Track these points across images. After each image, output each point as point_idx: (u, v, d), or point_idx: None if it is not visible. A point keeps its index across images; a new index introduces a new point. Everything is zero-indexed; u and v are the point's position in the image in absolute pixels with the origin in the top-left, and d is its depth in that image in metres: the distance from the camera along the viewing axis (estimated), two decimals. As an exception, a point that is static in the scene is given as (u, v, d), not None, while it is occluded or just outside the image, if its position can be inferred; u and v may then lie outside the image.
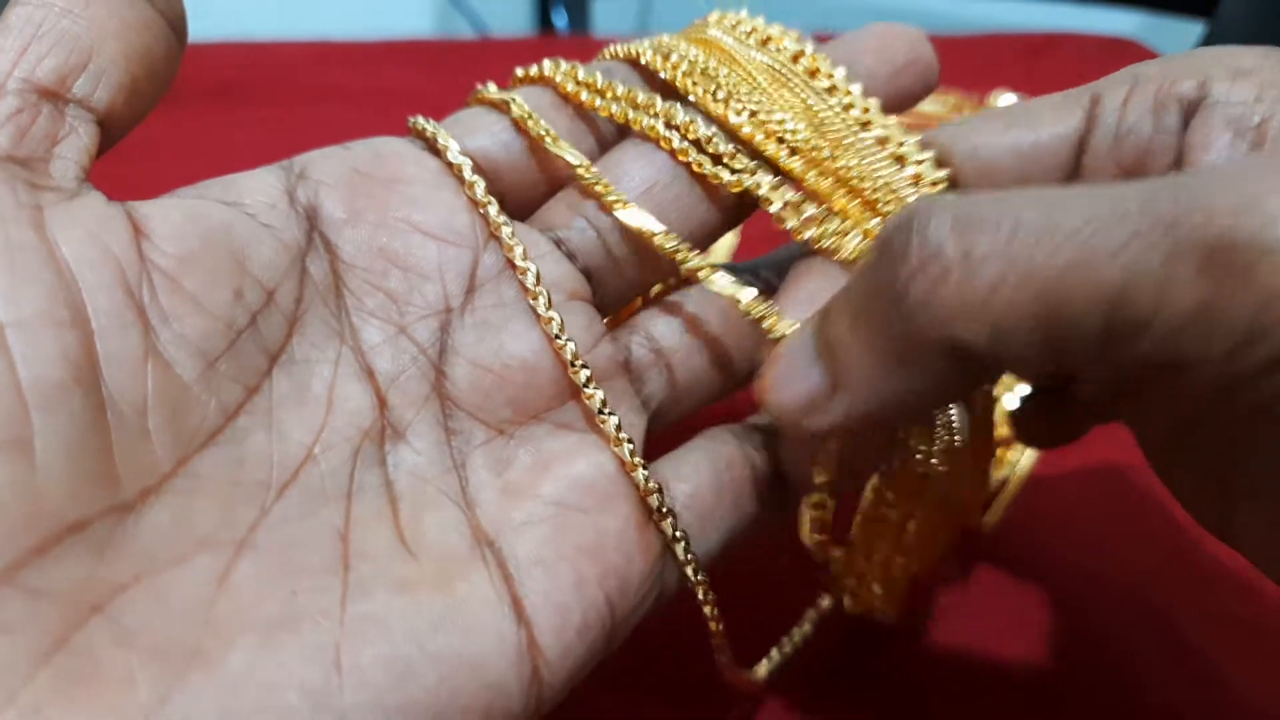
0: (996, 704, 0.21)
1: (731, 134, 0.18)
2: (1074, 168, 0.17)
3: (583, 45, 0.61)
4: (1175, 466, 0.16)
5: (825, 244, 0.18)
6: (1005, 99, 0.53)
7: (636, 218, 0.17)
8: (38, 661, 0.11)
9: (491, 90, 0.18)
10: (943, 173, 0.18)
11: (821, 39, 0.19)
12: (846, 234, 0.18)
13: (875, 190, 0.18)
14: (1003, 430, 0.28)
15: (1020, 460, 0.28)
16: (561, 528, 0.15)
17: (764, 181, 0.18)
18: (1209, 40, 0.62)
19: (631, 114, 0.18)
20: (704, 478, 0.17)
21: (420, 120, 0.18)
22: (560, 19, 0.79)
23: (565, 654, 0.14)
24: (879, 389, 0.14)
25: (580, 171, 0.17)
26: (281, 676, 0.12)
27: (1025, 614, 0.23)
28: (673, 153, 0.18)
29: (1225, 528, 0.15)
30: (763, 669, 0.20)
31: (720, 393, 0.18)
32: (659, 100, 0.18)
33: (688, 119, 0.18)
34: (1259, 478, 0.14)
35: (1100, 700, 0.21)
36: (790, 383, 0.15)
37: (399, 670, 0.13)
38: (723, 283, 0.16)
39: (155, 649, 0.12)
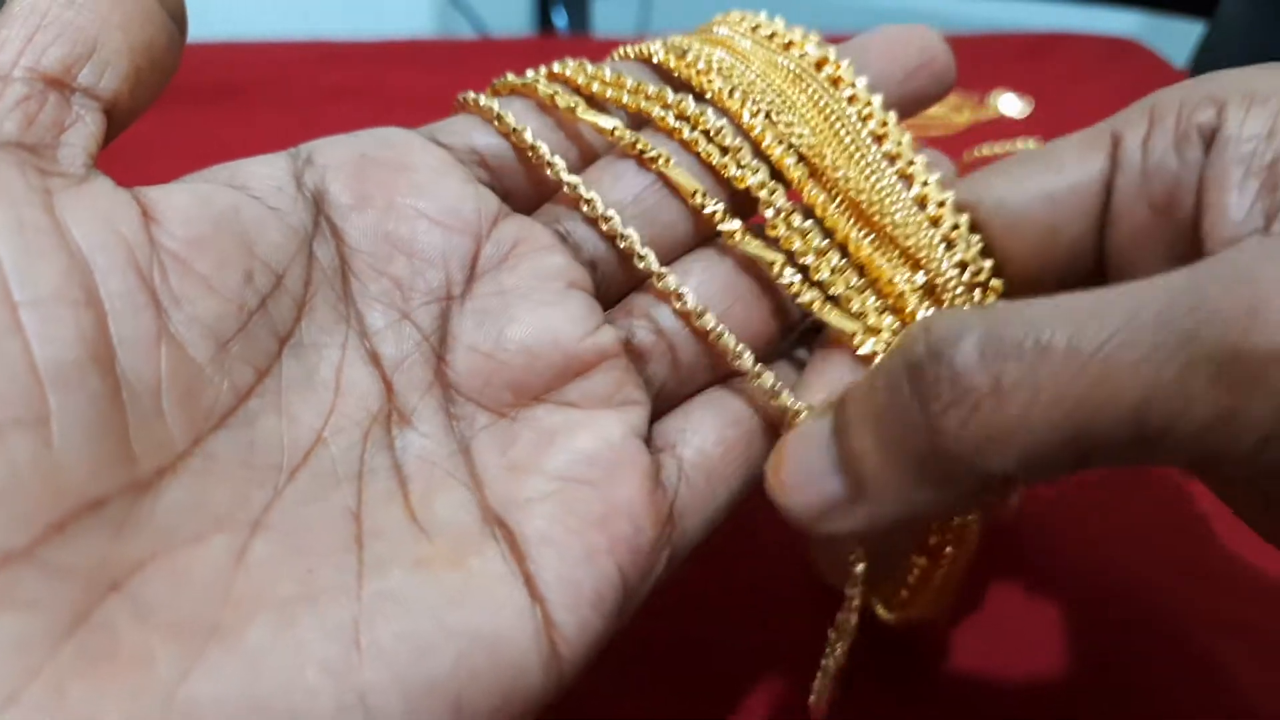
0: (1005, 708, 0.21)
1: (744, 133, 0.18)
2: (1103, 208, 0.17)
3: (583, 45, 0.61)
4: (1231, 500, 0.16)
5: (823, 313, 0.17)
6: (1005, 99, 0.53)
7: (678, 175, 0.17)
8: (59, 638, 0.11)
9: (512, 78, 0.19)
10: (948, 194, 0.18)
11: (830, 41, 0.19)
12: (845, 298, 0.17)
13: (872, 207, 0.18)
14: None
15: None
16: (568, 502, 0.15)
17: (766, 183, 0.18)
18: (1209, 40, 0.62)
19: (644, 103, 0.18)
20: (709, 435, 0.17)
21: (472, 94, 0.18)
22: (560, 19, 0.79)
23: (582, 628, 0.14)
24: (904, 502, 0.14)
25: (619, 132, 0.17)
26: (301, 653, 0.12)
27: (1036, 620, 0.23)
28: (684, 143, 0.18)
29: None
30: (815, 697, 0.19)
31: (726, 373, 0.18)
32: (670, 93, 0.18)
33: (699, 111, 0.18)
34: None
35: (1113, 707, 0.21)
36: (808, 486, 0.15)
37: (418, 646, 0.13)
38: (754, 246, 0.17)
39: (174, 626, 0.12)
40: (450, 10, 0.95)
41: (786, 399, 0.16)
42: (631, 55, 0.19)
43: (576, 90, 0.18)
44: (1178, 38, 0.66)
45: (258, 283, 0.15)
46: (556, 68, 0.19)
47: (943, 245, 0.18)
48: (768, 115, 0.18)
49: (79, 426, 0.12)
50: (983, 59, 0.61)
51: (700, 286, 0.17)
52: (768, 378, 0.17)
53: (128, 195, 0.14)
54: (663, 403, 0.17)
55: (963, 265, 0.18)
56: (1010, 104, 0.53)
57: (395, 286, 0.16)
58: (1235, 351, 0.12)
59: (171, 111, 0.49)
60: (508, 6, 0.95)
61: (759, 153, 0.18)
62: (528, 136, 0.17)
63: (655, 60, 0.19)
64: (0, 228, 0.12)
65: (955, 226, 0.18)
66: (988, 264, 0.18)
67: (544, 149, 0.17)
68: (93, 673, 0.11)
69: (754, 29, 0.19)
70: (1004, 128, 0.51)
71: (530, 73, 0.19)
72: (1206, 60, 0.61)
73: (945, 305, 0.18)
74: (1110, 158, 0.17)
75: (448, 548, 0.14)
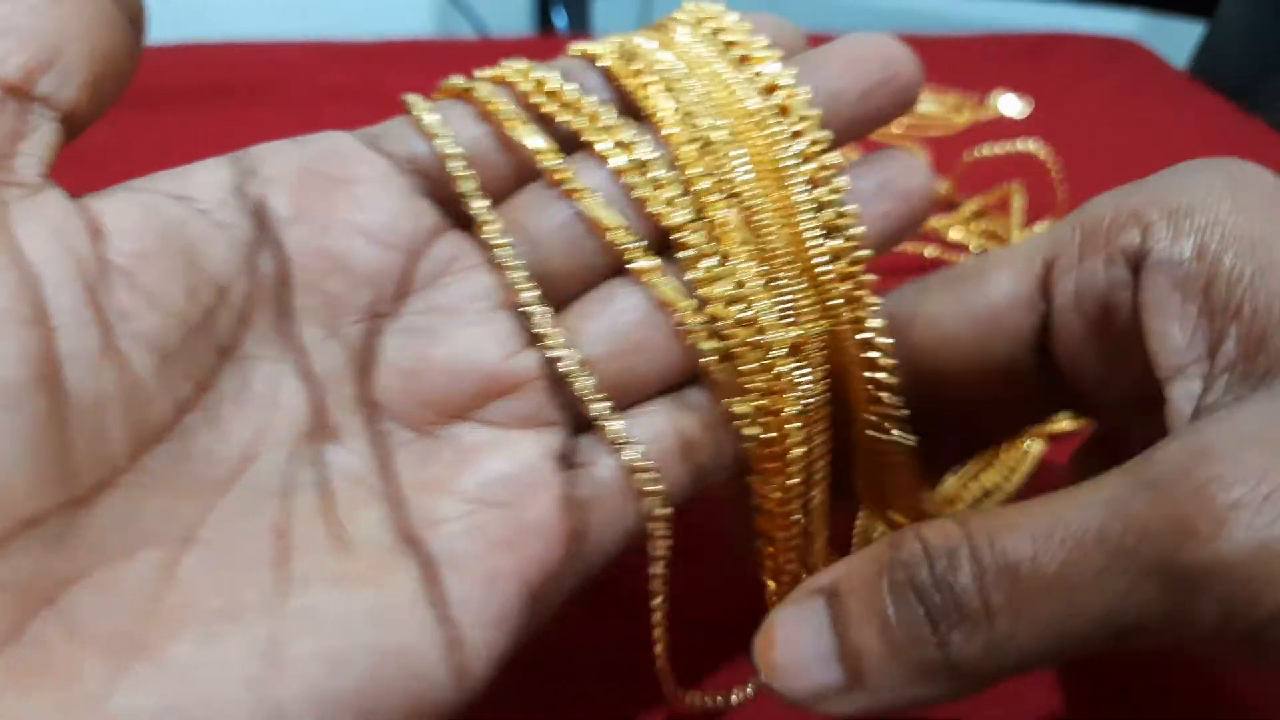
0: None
1: (677, 160, 0.17)
2: (1038, 328, 0.18)
3: (583, 45, 0.61)
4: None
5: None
6: (1005, 99, 0.53)
7: (597, 210, 0.17)
8: None
9: (456, 81, 0.18)
10: (867, 253, 0.17)
11: (815, 41, 0.19)
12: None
13: (785, 262, 0.17)
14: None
15: (1023, 461, 0.28)
16: (479, 524, 0.15)
17: (685, 224, 0.17)
18: (1209, 41, 0.62)
19: (576, 123, 0.17)
20: (625, 454, 0.17)
21: (417, 102, 0.17)
22: (560, 19, 0.79)
23: (488, 646, 0.15)
24: (904, 696, 0.15)
25: (546, 159, 0.17)
26: (223, 668, 0.13)
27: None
28: (617, 171, 0.17)
29: None
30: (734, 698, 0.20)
31: (651, 394, 0.18)
32: (605, 113, 0.18)
33: (631, 140, 0.17)
34: None
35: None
36: (803, 672, 0.16)
37: (333, 661, 0.13)
38: (664, 289, 0.17)
39: (103, 641, 0.13)
40: (450, 10, 0.95)
41: (629, 454, 0.17)
42: (581, 54, 0.19)
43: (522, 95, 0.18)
44: (1177, 38, 0.66)
45: (202, 297, 0.15)
46: (504, 69, 0.18)
47: (843, 301, 0.18)
48: (705, 144, 0.17)
49: (22, 445, 0.12)
50: (983, 59, 0.61)
51: (616, 316, 0.17)
52: (614, 428, 0.17)
53: (76, 208, 0.14)
54: (584, 421, 0.17)
55: (857, 322, 0.18)
56: (1010, 104, 0.53)
57: (329, 303, 0.16)
58: (1171, 566, 0.13)
59: (172, 112, 0.50)
60: (508, 6, 0.95)
61: (689, 186, 0.17)
62: (450, 151, 0.17)
63: (600, 64, 0.18)
64: None
65: (859, 287, 0.18)
66: (876, 323, 0.18)
67: (459, 168, 0.17)
68: (24, 686, 0.12)
69: (716, 31, 0.18)
70: (1004, 128, 0.51)
71: (478, 73, 0.18)
72: (1206, 61, 0.61)
73: (814, 376, 0.18)
74: (1040, 280, 0.18)
75: (366, 565, 0.15)
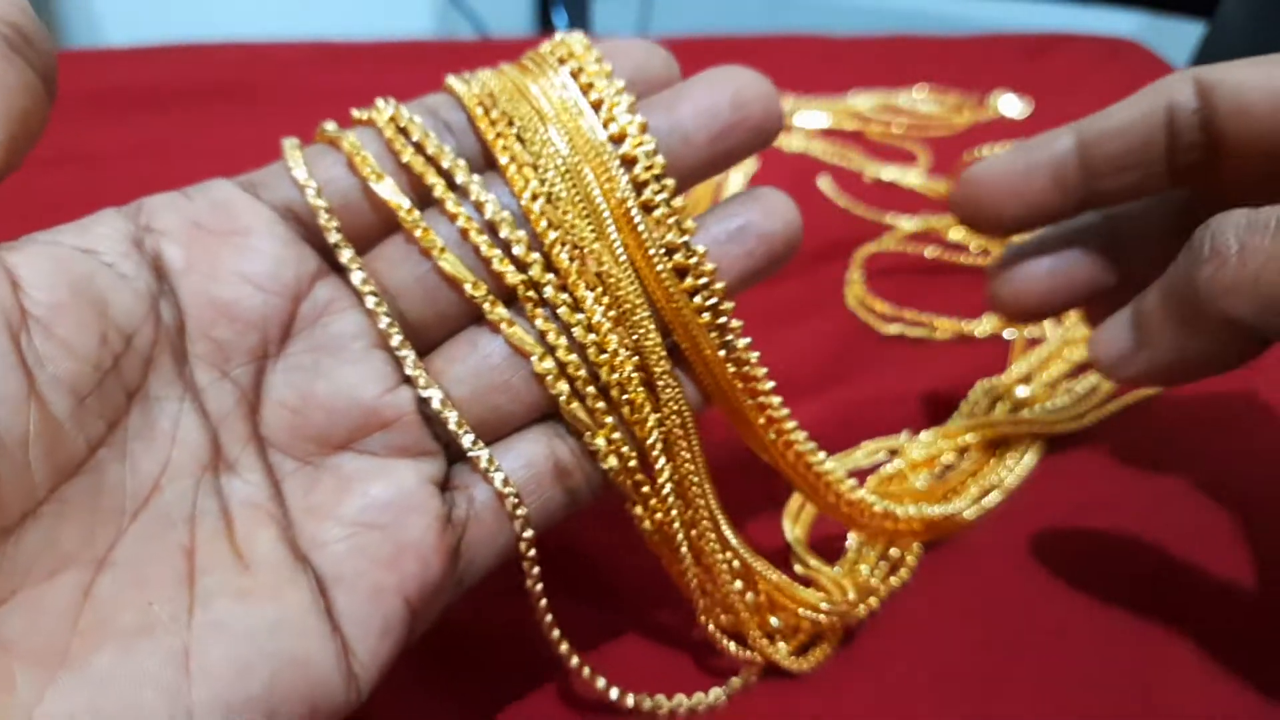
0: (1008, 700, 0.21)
1: (528, 214, 0.19)
2: None
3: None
4: None
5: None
6: (1005, 99, 0.53)
7: (453, 265, 0.18)
8: None
9: (330, 128, 0.19)
10: (721, 284, 0.18)
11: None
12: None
13: (633, 312, 0.18)
14: (1002, 430, 0.28)
15: (1020, 461, 0.28)
16: (359, 545, 0.17)
17: (526, 279, 0.18)
18: (1209, 41, 0.62)
19: (431, 179, 0.19)
20: (498, 478, 0.18)
21: (293, 148, 0.18)
22: (560, 19, 0.79)
23: (374, 654, 0.16)
24: (1172, 349, 0.19)
25: (402, 215, 0.18)
26: (140, 677, 0.14)
27: (1038, 608, 0.23)
28: (463, 231, 0.18)
29: None
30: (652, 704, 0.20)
31: (524, 425, 0.19)
32: (461, 171, 0.19)
33: (481, 199, 0.19)
34: None
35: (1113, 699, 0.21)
36: (1110, 342, 0.21)
37: (240, 668, 0.15)
38: (515, 336, 0.18)
39: (32, 654, 0.14)
40: (451, 11, 0.95)
41: (497, 480, 0.18)
42: (456, 89, 0.20)
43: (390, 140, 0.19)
44: (1178, 38, 0.66)
45: (111, 343, 0.16)
46: (376, 112, 0.19)
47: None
48: (549, 199, 0.19)
49: None
50: (983, 60, 0.61)
51: (480, 360, 0.19)
52: (480, 458, 0.18)
53: None
54: (457, 458, 0.19)
55: (725, 347, 0.19)
56: (1010, 105, 0.53)
57: (219, 347, 0.17)
58: None
59: (174, 111, 0.50)
60: (508, 7, 0.95)
61: (536, 238, 0.19)
62: (316, 203, 0.18)
63: (465, 107, 0.19)
64: None
65: (717, 315, 0.19)
66: (742, 343, 0.19)
67: (325, 221, 0.18)
68: None
69: (576, 73, 0.19)
70: (1004, 128, 0.51)
71: (355, 113, 0.19)
72: (1206, 61, 0.61)
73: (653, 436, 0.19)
74: None
75: (265, 582, 0.16)
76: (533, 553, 0.18)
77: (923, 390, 0.31)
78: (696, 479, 0.19)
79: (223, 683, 0.15)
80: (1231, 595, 0.23)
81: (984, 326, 0.34)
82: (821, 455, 0.21)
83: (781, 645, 0.21)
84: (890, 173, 0.45)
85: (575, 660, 0.19)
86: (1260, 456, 0.28)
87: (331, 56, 0.54)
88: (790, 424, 0.20)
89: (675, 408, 0.19)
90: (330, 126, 0.19)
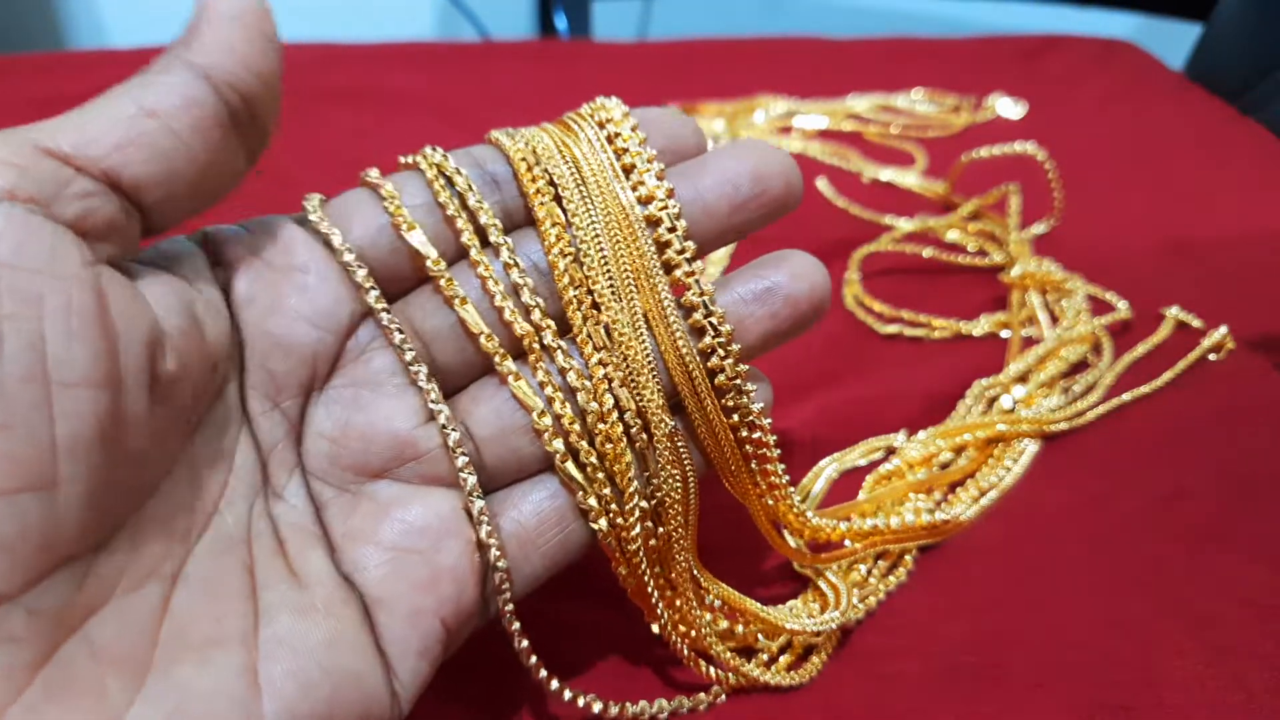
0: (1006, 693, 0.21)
1: (554, 270, 0.19)
2: None
3: (583, 48, 0.61)
4: None
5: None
6: (1002, 101, 0.54)
7: (472, 317, 0.19)
8: (33, 669, 0.14)
9: (373, 175, 0.19)
10: (743, 368, 0.19)
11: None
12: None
13: (640, 376, 0.19)
14: (999, 429, 0.28)
15: (1016, 459, 0.28)
16: (399, 569, 0.17)
17: (530, 333, 0.19)
18: (1205, 42, 0.62)
19: (466, 236, 0.19)
20: (526, 509, 0.19)
21: (313, 206, 0.19)
22: (561, 22, 0.79)
23: (414, 673, 0.17)
24: None
25: (429, 265, 0.19)
26: (216, 688, 0.15)
27: (1042, 601, 0.23)
28: (484, 280, 0.19)
29: None
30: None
31: (533, 470, 0.19)
32: (495, 230, 0.19)
33: (511, 260, 0.19)
34: None
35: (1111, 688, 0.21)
36: None
37: (302, 683, 0.16)
38: (520, 391, 0.19)
39: (119, 662, 0.14)
40: (452, 13, 0.96)
41: (484, 533, 0.18)
42: (502, 144, 0.20)
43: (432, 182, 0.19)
44: (1174, 40, 0.66)
45: (210, 368, 0.17)
46: (423, 159, 0.20)
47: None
48: (575, 258, 0.19)
49: (80, 493, 0.14)
50: (979, 62, 0.61)
51: (502, 403, 0.19)
52: (476, 507, 0.18)
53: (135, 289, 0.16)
54: (478, 490, 0.19)
55: (740, 410, 0.19)
56: (1007, 106, 0.54)
57: (272, 378, 0.18)
58: None
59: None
60: (509, 9, 0.95)
61: (555, 296, 0.19)
62: (348, 258, 0.19)
63: (510, 163, 0.20)
64: (51, 310, 0.14)
65: (736, 377, 0.19)
66: (757, 406, 0.19)
67: (359, 274, 0.19)
68: (60, 700, 0.14)
69: (612, 137, 0.20)
70: (1001, 130, 0.51)
71: (402, 159, 0.20)
72: (1203, 62, 0.61)
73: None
74: None
75: (321, 598, 0.17)
76: (510, 607, 0.18)
77: (920, 389, 0.31)
78: (684, 544, 0.20)
79: (290, 696, 0.15)
80: (1229, 592, 0.24)
81: (981, 326, 0.34)
82: (818, 521, 0.21)
83: (772, 662, 0.22)
84: (888, 174, 0.45)
85: (555, 684, 0.19)
86: (1258, 455, 0.28)
87: (334, 58, 0.54)
88: (791, 499, 0.20)
89: (673, 471, 0.19)
90: (374, 174, 0.19)
